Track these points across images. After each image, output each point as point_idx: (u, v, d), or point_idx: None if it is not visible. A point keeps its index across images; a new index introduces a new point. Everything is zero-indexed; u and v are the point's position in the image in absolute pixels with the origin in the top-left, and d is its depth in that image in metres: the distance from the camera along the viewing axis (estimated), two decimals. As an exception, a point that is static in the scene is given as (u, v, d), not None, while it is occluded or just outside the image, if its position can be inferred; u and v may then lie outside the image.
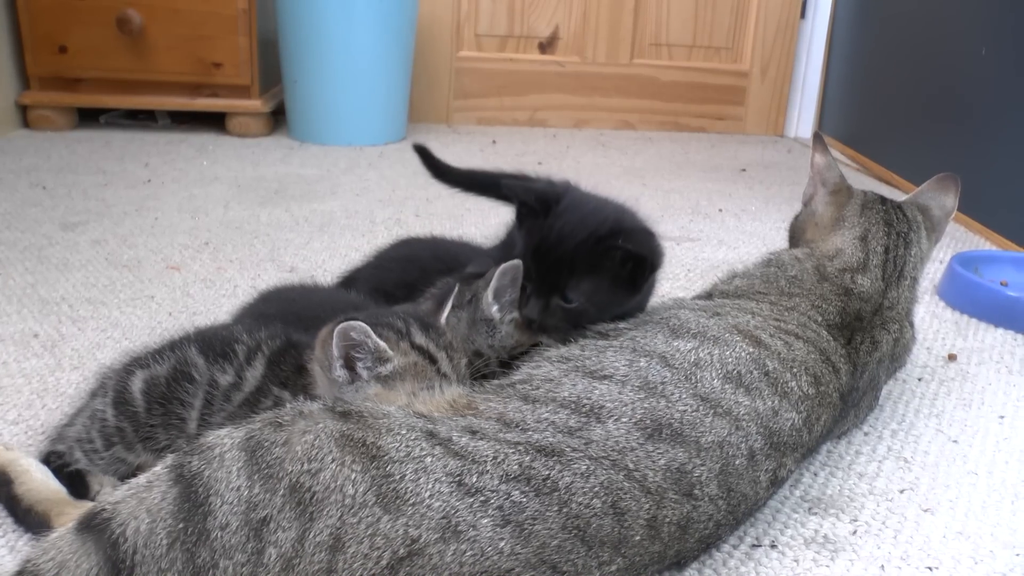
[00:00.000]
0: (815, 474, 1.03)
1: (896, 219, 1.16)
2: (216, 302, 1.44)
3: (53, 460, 0.91)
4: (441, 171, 1.41)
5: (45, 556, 0.68)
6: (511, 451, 0.73)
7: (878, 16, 2.69)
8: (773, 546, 0.89)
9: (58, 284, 1.49)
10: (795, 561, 0.87)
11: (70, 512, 0.79)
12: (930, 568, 0.88)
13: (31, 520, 0.82)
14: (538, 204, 1.02)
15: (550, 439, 0.75)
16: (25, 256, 1.61)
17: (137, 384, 0.88)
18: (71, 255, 1.63)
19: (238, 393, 0.85)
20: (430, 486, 0.69)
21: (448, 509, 0.68)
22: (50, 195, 1.98)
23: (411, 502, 0.68)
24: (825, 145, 1.24)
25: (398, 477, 0.69)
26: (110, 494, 0.71)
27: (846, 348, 1.04)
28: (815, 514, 0.95)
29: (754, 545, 0.89)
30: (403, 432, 0.72)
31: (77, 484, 0.88)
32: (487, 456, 0.72)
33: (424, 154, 1.39)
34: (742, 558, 0.87)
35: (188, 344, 0.89)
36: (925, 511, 0.97)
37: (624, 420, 0.79)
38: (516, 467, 0.72)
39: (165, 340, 0.95)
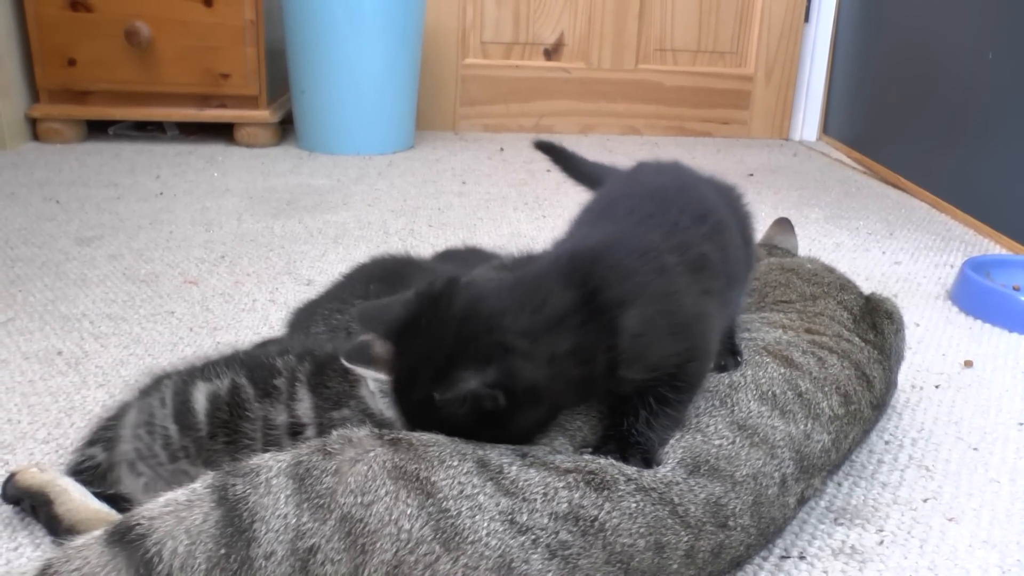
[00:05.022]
0: (839, 484, 1.03)
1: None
2: (236, 316, 1.45)
3: (85, 466, 0.91)
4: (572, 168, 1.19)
5: (69, 564, 0.65)
6: (560, 484, 0.72)
7: (882, 19, 2.71)
8: (802, 557, 0.90)
9: (78, 300, 1.50)
10: (824, 572, 0.88)
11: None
12: (958, 578, 0.89)
13: None
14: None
15: (601, 460, 0.75)
16: (43, 272, 1.62)
17: (200, 401, 0.86)
18: (88, 270, 1.64)
19: (309, 429, 0.83)
20: (486, 524, 0.68)
21: (504, 547, 0.67)
22: (64, 209, 1.99)
23: (470, 540, 0.67)
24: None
25: (455, 513, 0.68)
26: (144, 507, 0.69)
27: (876, 338, 1.05)
28: (841, 524, 0.96)
29: (783, 557, 0.90)
30: (455, 464, 0.71)
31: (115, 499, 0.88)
32: (537, 493, 0.71)
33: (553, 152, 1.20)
34: (772, 570, 0.88)
35: (238, 368, 0.87)
36: (950, 520, 0.98)
37: (670, 461, 0.79)
38: (565, 505, 0.70)
39: (219, 356, 0.92)
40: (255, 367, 0.88)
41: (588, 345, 0.75)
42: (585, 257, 0.79)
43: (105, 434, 0.94)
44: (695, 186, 0.95)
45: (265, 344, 1.01)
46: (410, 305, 0.78)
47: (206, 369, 0.89)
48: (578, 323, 0.74)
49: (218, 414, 0.86)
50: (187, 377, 0.89)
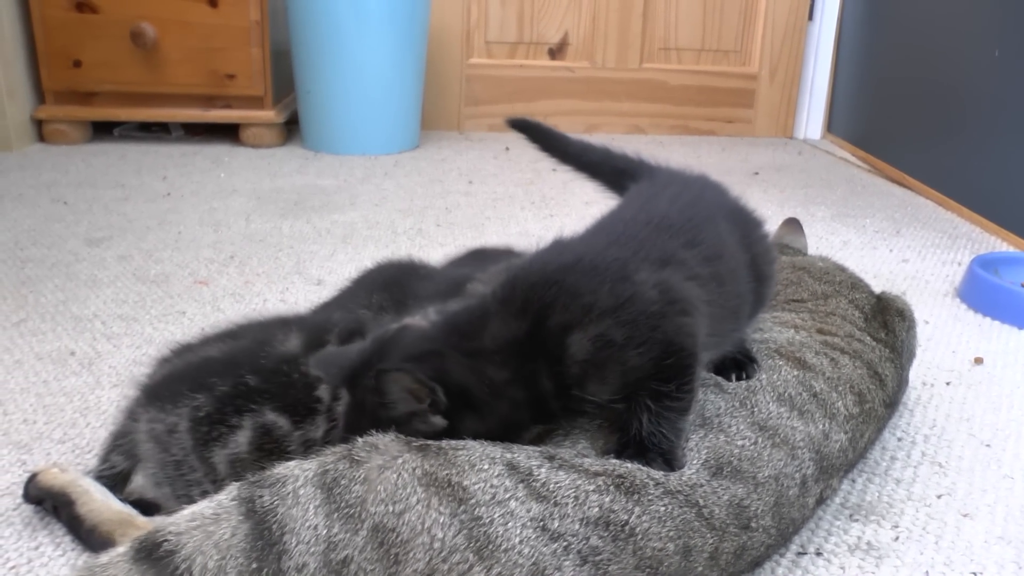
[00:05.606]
0: (853, 481, 1.04)
1: None
2: (247, 316, 1.45)
3: (107, 473, 0.91)
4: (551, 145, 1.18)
5: None
6: (591, 488, 0.71)
7: (886, 17, 2.71)
8: (819, 553, 0.91)
9: (89, 301, 1.50)
10: (841, 568, 0.89)
11: (136, 533, 0.79)
12: (974, 573, 0.89)
13: (95, 540, 0.82)
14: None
15: (628, 464, 0.75)
16: (54, 273, 1.62)
17: (221, 464, 0.82)
18: (99, 271, 1.64)
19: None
20: (518, 531, 0.67)
21: (536, 555, 0.67)
22: (72, 210, 2.00)
23: (503, 548, 0.66)
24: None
25: (487, 521, 0.67)
26: (168, 520, 0.68)
27: (888, 336, 1.05)
28: (856, 521, 0.97)
29: (800, 553, 0.91)
30: (486, 467, 0.70)
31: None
32: (568, 498, 0.70)
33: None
34: (789, 566, 0.89)
35: (263, 403, 0.82)
36: (964, 516, 0.98)
37: (694, 463, 0.79)
38: (596, 510, 0.70)
39: (228, 392, 0.85)
40: (285, 390, 0.83)
41: (527, 369, 0.76)
42: (535, 281, 0.78)
43: (123, 444, 0.92)
44: (705, 220, 0.89)
45: (273, 338, 0.91)
46: (364, 353, 0.80)
47: (219, 432, 0.83)
48: (517, 349, 0.75)
49: (241, 466, 0.82)
50: (205, 438, 0.83)
